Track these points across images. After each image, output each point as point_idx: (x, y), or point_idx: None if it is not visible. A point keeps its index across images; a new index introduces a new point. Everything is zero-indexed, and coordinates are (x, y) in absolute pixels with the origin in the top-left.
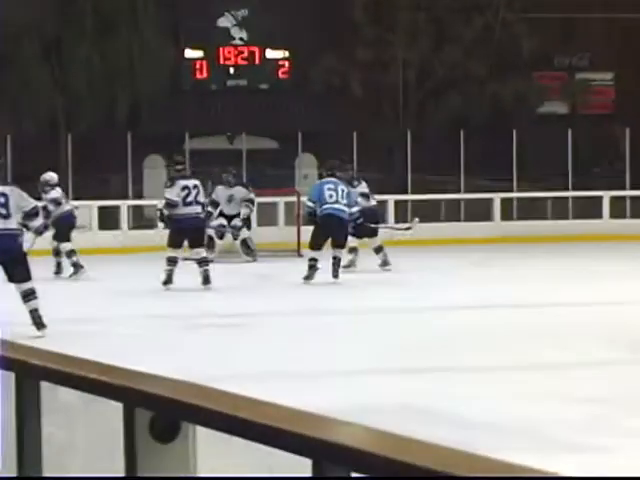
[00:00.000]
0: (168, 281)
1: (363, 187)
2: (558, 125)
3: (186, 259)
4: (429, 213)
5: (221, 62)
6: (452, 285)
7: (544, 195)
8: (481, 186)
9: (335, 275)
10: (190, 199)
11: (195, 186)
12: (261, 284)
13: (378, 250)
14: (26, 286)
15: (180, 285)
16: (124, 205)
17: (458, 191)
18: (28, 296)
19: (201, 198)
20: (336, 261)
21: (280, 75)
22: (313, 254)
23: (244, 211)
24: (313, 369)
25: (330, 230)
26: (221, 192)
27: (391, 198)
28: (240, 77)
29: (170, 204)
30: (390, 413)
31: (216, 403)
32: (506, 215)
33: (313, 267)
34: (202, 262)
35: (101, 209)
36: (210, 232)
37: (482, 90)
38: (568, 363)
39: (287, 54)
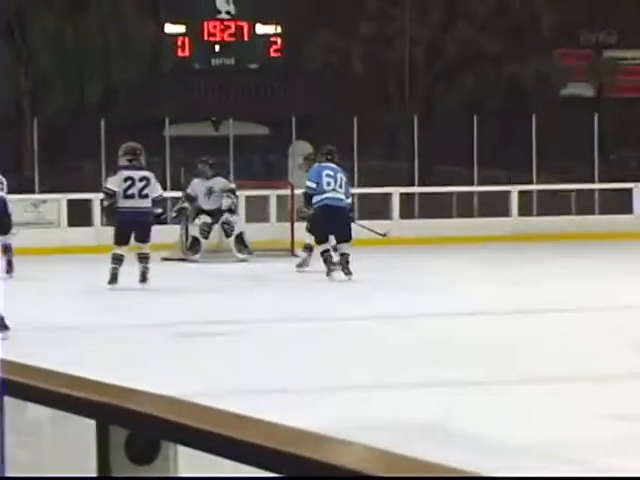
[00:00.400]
0: (112, 280)
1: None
2: (583, 109)
3: (165, 259)
4: (438, 207)
5: (205, 38)
6: (463, 289)
7: (567, 187)
8: (497, 177)
9: (348, 272)
10: (132, 191)
11: (143, 178)
12: (251, 287)
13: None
14: None
15: (164, 288)
16: (97, 198)
17: (471, 183)
18: None
19: (150, 192)
20: (345, 257)
21: (272, 53)
22: (323, 247)
23: (225, 202)
24: (309, 382)
25: (331, 224)
26: (198, 185)
27: (395, 190)
28: (227, 55)
29: (107, 194)
30: (391, 431)
31: (200, 420)
32: (524, 210)
33: (329, 260)
34: (142, 258)
35: (71, 203)
36: (194, 232)
37: (498, 70)
38: (595, 375)
39: (279, 29)
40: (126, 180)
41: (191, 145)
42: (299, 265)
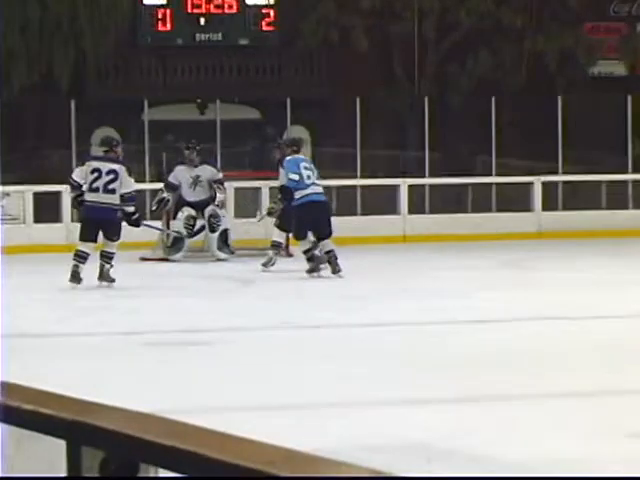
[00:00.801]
0: (73, 279)
1: None
2: (615, 90)
3: (144, 259)
4: (451, 200)
5: (189, 10)
6: (479, 293)
7: (597, 178)
8: (517, 167)
9: (337, 270)
10: (97, 185)
11: (111, 172)
12: (237, 290)
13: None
14: None
15: (140, 291)
16: (66, 191)
17: (489, 173)
18: None
19: (118, 187)
20: (332, 254)
21: (264, 27)
22: (305, 244)
23: (219, 196)
24: (302, 398)
25: (314, 220)
26: (183, 173)
27: (403, 182)
28: (213, 30)
29: (72, 185)
30: (397, 453)
31: (181, 440)
32: (549, 204)
33: (313, 257)
34: (102, 256)
35: (38, 196)
36: (176, 227)
37: (518, 47)
38: (622, 389)
39: (272, 1)
40: (93, 172)
41: (173, 130)
42: (265, 264)
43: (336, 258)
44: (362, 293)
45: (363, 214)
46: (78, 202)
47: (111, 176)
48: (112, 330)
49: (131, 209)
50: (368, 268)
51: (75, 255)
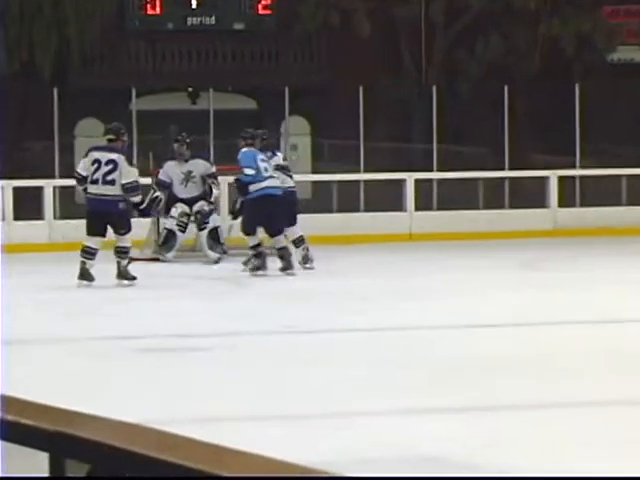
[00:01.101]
0: (82, 276)
1: (279, 160)
2: (635, 77)
3: (133, 259)
4: (461, 196)
5: None
6: (492, 294)
7: (617, 172)
8: (532, 161)
9: (287, 267)
10: (97, 176)
11: (110, 162)
12: (234, 293)
13: (299, 242)
14: None
15: (131, 293)
16: (49, 186)
17: (501, 167)
18: None
19: (118, 177)
20: (286, 251)
21: (260, 11)
22: (253, 240)
23: (215, 192)
24: (300, 407)
25: (268, 215)
26: (173, 169)
27: (410, 176)
28: (206, 13)
29: (77, 179)
30: (407, 464)
31: (173, 453)
32: (565, 199)
33: (261, 254)
34: (116, 252)
35: (18, 191)
36: (168, 225)
37: (532, 31)
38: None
39: None
40: (93, 163)
41: (163, 121)
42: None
43: (290, 255)
44: (365, 295)
45: (366, 210)
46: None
47: (110, 166)
48: (102, 335)
49: (137, 199)
50: (372, 268)
51: (82, 251)
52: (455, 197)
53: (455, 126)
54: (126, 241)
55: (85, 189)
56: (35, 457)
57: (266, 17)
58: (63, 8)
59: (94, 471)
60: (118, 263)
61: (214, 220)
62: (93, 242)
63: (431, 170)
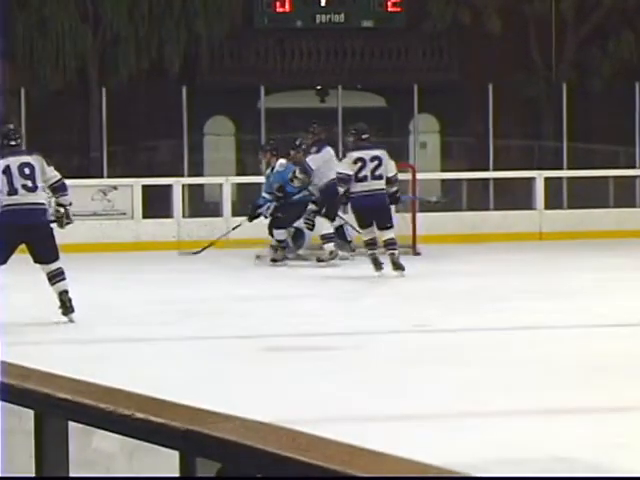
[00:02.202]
0: (378, 267)
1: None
2: None
3: (260, 257)
4: (592, 194)
5: None
6: (619, 295)
7: None
8: None
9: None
10: (364, 173)
11: (374, 158)
12: (361, 292)
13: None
14: (54, 266)
15: (255, 292)
16: (178, 184)
17: (633, 165)
18: (56, 277)
19: (383, 172)
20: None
21: (389, 8)
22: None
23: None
24: (435, 407)
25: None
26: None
27: (539, 174)
28: (335, 11)
29: (341, 179)
30: (537, 465)
31: (306, 452)
32: None
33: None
34: (386, 245)
35: (147, 189)
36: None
37: None
38: None
39: None
40: (356, 162)
41: (292, 119)
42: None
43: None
44: (498, 294)
45: (496, 209)
46: (346, 196)
47: (376, 162)
48: (228, 334)
49: (394, 189)
50: (503, 267)
51: (366, 245)
52: (585, 195)
53: (585, 124)
54: (390, 232)
55: (348, 189)
56: (166, 455)
57: (395, 14)
58: (192, 6)
59: (224, 470)
60: (392, 255)
61: (338, 219)
62: (370, 234)
63: (561, 168)
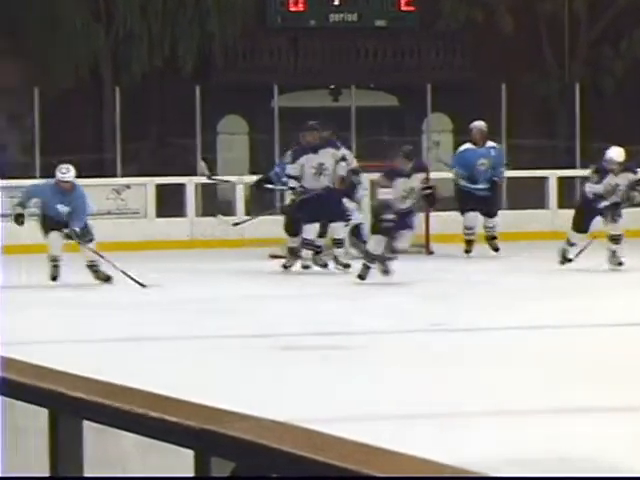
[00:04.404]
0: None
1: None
2: None
3: (274, 256)
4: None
5: None
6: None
7: None
8: None
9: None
10: None
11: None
12: (376, 291)
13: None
14: None
15: (271, 291)
16: (191, 183)
17: None
18: None
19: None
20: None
21: (402, 7)
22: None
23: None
24: (454, 407)
25: None
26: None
27: (552, 174)
28: (348, 10)
29: None
30: (566, 464)
31: (322, 451)
32: None
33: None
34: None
35: (160, 188)
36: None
37: None
38: None
39: None
40: None
41: (305, 118)
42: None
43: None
44: (510, 293)
45: (509, 208)
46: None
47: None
48: (242, 333)
49: None
50: (518, 266)
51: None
52: None
53: (599, 123)
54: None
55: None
56: (180, 454)
57: (408, 14)
58: (205, 4)
59: (239, 470)
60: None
61: (356, 217)
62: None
63: (574, 167)
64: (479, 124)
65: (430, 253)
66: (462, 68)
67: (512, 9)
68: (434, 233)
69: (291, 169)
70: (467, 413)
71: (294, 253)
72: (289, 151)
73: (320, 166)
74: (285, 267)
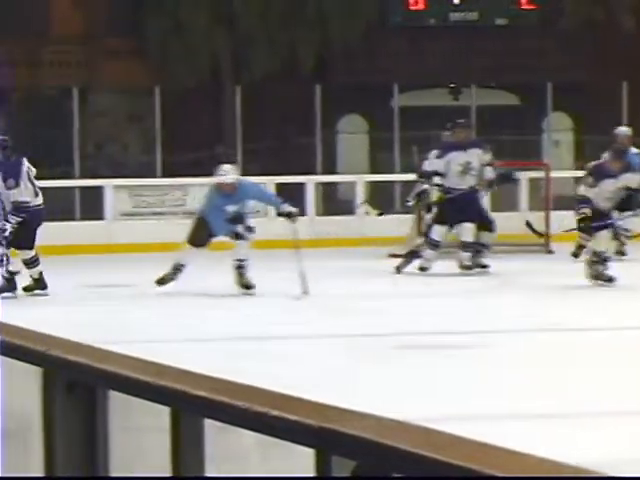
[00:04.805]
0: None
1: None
2: None
3: (393, 255)
4: None
5: None
6: None
7: None
8: None
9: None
10: None
11: None
12: (496, 290)
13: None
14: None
15: (389, 289)
16: (310, 182)
17: None
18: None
19: None
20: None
21: (523, 5)
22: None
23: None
24: (568, 406)
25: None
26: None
27: None
28: (469, 8)
29: None
30: None
31: (442, 451)
32: None
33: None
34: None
35: (280, 187)
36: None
37: None
38: None
39: None
40: None
41: (425, 117)
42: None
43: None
44: (630, 292)
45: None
46: None
47: None
48: (360, 332)
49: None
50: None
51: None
52: None
53: None
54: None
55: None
56: (302, 453)
57: (529, 12)
58: (325, 5)
59: (359, 469)
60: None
61: None
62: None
63: None
64: (625, 130)
65: (549, 252)
66: (583, 67)
67: (633, 8)
68: (554, 233)
69: (437, 165)
70: (588, 412)
71: (414, 254)
72: (434, 150)
73: (467, 164)
74: (398, 269)
